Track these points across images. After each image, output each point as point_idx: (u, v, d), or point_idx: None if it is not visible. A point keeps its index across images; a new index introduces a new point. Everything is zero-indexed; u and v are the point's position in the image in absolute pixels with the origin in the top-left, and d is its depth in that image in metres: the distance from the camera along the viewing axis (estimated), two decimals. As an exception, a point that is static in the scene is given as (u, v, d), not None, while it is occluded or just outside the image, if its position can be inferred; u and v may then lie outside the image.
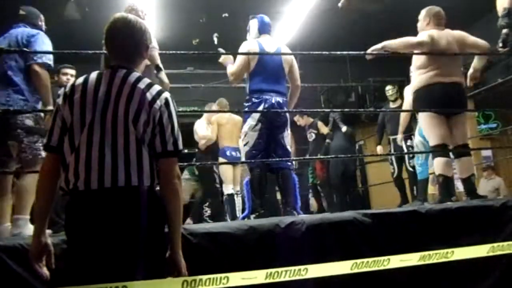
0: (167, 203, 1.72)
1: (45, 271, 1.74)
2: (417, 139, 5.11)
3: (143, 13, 3.66)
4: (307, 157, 6.94)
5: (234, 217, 5.31)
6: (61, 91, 4.29)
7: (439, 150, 3.66)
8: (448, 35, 3.74)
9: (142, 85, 1.75)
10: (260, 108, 3.79)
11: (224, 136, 5.71)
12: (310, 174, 7.09)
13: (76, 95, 1.73)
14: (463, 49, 3.78)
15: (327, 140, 6.77)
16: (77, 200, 1.67)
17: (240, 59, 3.86)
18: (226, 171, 5.56)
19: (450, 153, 3.75)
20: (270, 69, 3.85)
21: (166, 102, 1.75)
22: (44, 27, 3.44)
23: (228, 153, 5.63)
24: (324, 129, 6.87)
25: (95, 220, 1.63)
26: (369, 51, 3.71)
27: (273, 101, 3.77)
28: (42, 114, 3.24)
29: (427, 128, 3.75)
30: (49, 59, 3.20)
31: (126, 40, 1.82)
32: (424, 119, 3.75)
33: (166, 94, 1.78)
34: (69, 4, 6.36)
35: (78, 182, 1.64)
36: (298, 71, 4.02)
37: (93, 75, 1.79)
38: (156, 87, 1.78)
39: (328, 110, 7.98)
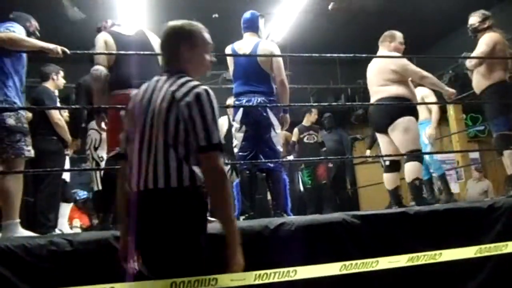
0: (210, 198, 1.76)
1: (133, 266, 1.84)
2: None
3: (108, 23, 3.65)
4: (293, 158, 6.80)
5: None
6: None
7: (420, 154, 3.81)
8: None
9: (175, 86, 1.77)
10: (240, 111, 3.79)
11: None
12: (308, 177, 7.04)
13: (130, 104, 1.91)
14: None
15: (323, 149, 6.83)
16: (130, 200, 1.79)
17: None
18: None
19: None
20: (247, 70, 3.82)
21: (196, 97, 1.72)
22: (33, 29, 3.38)
23: None
24: (319, 137, 6.93)
25: (139, 218, 1.73)
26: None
27: (254, 102, 3.74)
28: (23, 113, 3.17)
29: (415, 132, 3.81)
30: (6, 28, 3.05)
31: (162, 45, 1.95)
32: (413, 123, 3.81)
33: (198, 89, 1.75)
34: (70, 5, 6.34)
35: (131, 185, 1.78)
36: (279, 66, 3.82)
37: (145, 84, 1.92)
38: (189, 85, 1.76)
39: (316, 104, 8.03)
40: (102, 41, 3.28)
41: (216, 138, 1.71)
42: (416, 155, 3.76)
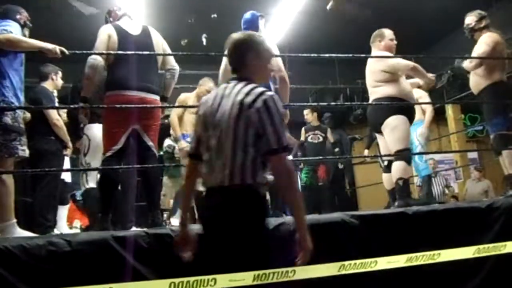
0: (282, 194, 1.92)
1: (188, 255, 1.99)
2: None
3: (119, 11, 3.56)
4: (292, 158, 6.85)
5: None
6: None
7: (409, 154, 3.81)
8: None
9: (242, 93, 1.92)
10: None
11: None
12: (305, 175, 7.00)
13: (201, 110, 2.06)
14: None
15: (336, 149, 6.82)
16: (205, 196, 1.97)
17: None
18: None
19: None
20: None
21: (264, 104, 1.86)
22: (24, 20, 3.29)
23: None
24: (331, 137, 6.91)
25: (211, 214, 1.90)
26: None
27: None
28: (20, 112, 3.15)
29: (403, 132, 3.77)
30: (3, 29, 3.02)
31: (229, 54, 2.09)
32: (402, 122, 3.79)
33: (265, 96, 1.88)
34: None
35: (205, 182, 1.97)
36: (278, 64, 3.75)
37: (214, 91, 2.09)
38: (256, 91, 1.90)
39: (314, 104, 8.02)
40: (106, 35, 3.23)
41: (285, 141, 1.87)
42: (404, 154, 3.72)
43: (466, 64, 4.13)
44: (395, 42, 4.02)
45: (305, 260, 1.85)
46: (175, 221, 4.96)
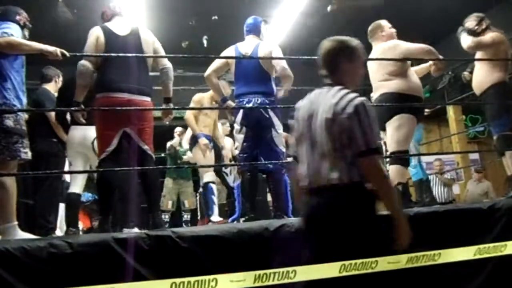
0: (376, 191, 2.01)
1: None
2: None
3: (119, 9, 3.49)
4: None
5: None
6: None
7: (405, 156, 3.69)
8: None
9: (335, 99, 2.04)
10: (240, 112, 3.79)
11: None
12: None
13: (296, 114, 2.22)
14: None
15: None
16: (305, 196, 2.12)
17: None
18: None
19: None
20: (248, 71, 3.81)
21: (355, 109, 1.98)
22: (24, 21, 3.28)
23: None
24: None
25: (314, 210, 2.05)
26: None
27: (254, 102, 3.73)
28: (22, 115, 3.15)
29: (406, 132, 3.67)
30: (4, 32, 3.02)
31: (323, 59, 2.20)
32: (408, 122, 3.69)
33: (356, 102, 2.00)
34: (59, 4, 6.31)
35: (303, 182, 2.11)
36: (281, 64, 3.83)
37: (308, 95, 2.23)
38: (348, 97, 2.02)
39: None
40: (94, 38, 3.23)
41: (373, 144, 1.98)
42: (400, 157, 3.64)
43: (470, 43, 4.01)
44: (393, 29, 3.95)
45: (404, 244, 1.99)
46: (216, 218, 4.87)
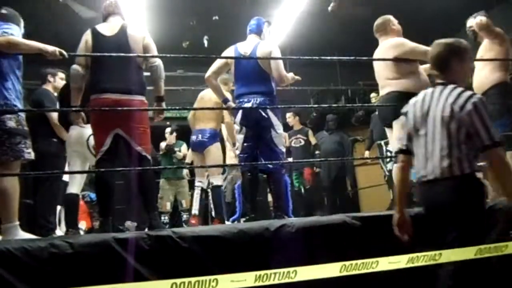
0: (500, 182, 2.21)
1: (405, 237, 2.40)
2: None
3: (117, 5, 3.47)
4: (295, 160, 6.77)
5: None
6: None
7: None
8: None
9: (452, 97, 2.20)
10: (240, 112, 3.79)
11: None
12: (296, 179, 6.99)
13: (410, 110, 2.39)
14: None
15: (317, 152, 6.76)
16: (422, 186, 2.32)
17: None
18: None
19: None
20: (247, 71, 3.80)
21: (474, 106, 2.13)
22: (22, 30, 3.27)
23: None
24: (313, 139, 6.88)
25: (439, 200, 2.24)
26: None
27: (254, 102, 3.72)
28: (23, 115, 3.15)
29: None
30: (4, 31, 3.01)
31: (435, 58, 2.37)
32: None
33: (474, 99, 2.16)
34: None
35: (419, 174, 2.31)
36: (278, 62, 3.78)
37: (422, 93, 2.38)
38: (465, 95, 2.18)
39: (316, 106, 8.00)
40: (83, 42, 3.27)
41: (497, 137, 2.14)
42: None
43: (484, 19, 3.99)
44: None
45: None
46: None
